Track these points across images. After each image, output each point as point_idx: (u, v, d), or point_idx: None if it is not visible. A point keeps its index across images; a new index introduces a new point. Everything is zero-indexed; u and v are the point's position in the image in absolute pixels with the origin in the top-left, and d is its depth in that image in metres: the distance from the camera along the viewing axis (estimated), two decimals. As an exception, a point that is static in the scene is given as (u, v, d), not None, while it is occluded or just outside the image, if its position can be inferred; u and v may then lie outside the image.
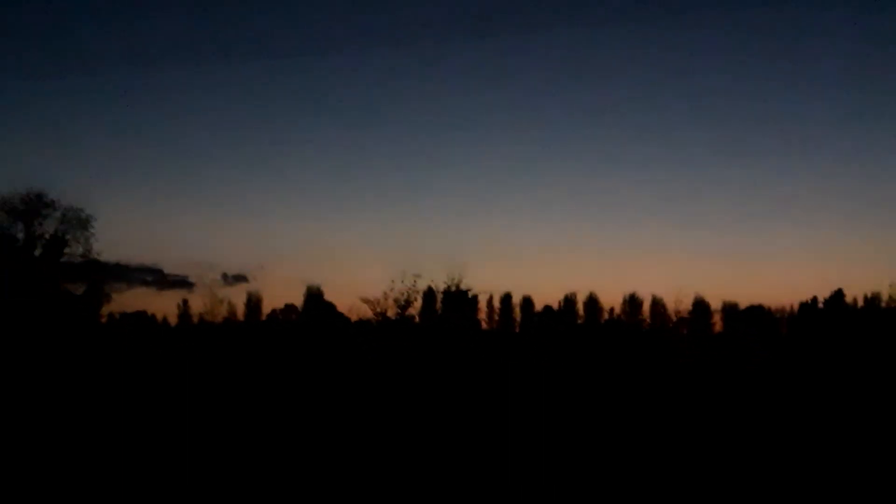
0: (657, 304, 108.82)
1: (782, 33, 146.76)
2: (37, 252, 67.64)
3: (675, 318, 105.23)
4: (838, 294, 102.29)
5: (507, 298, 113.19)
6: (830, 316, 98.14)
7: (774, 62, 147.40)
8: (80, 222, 67.16)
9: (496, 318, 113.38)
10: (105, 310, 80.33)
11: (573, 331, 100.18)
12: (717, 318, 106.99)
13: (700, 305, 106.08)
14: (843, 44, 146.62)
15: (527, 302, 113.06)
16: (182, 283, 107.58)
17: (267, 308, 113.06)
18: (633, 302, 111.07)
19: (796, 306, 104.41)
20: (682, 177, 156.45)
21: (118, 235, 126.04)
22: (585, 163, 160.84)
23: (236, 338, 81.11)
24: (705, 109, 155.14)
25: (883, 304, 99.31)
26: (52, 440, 18.69)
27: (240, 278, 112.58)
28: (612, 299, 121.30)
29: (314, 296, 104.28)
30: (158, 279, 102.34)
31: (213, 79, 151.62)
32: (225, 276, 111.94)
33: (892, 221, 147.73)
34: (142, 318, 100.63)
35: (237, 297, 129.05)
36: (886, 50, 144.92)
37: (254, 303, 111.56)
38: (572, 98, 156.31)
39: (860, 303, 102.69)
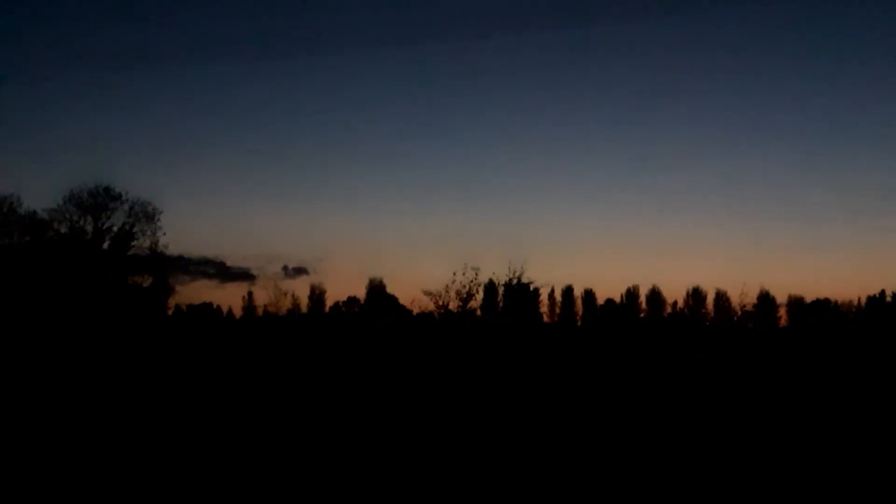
0: (721, 297, 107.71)
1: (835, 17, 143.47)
2: (105, 245, 68.90)
3: (739, 312, 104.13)
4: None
5: (568, 291, 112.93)
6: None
7: (833, 51, 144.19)
8: (147, 215, 68.35)
9: (558, 311, 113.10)
10: (170, 302, 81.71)
11: (636, 324, 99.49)
12: (782, 312, 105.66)
13: (765, 299, 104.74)
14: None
15: (588, 295, 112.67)
16: (244, 275, 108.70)
17: (330, 300, 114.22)
18: (696, 295, 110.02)
19: (864, 300, 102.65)
20: (745, 168, 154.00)
21: (180, 228, 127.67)
22: (648, 155, 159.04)
23: (301, 329, 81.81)
24: (764, 101, 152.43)
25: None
26: (129, 428, 19.04)
27: (300, 271, 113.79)
28: (675, 292, 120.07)
29: (376, 288, 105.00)
30: (220, 272, 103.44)
31: (277, 72, 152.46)
32: (286, 269, 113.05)
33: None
34: (207, 310, 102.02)
35: (299, 290, 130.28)
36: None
37: (317, 295, 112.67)
38: (635, 89, 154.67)
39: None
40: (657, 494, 13.28)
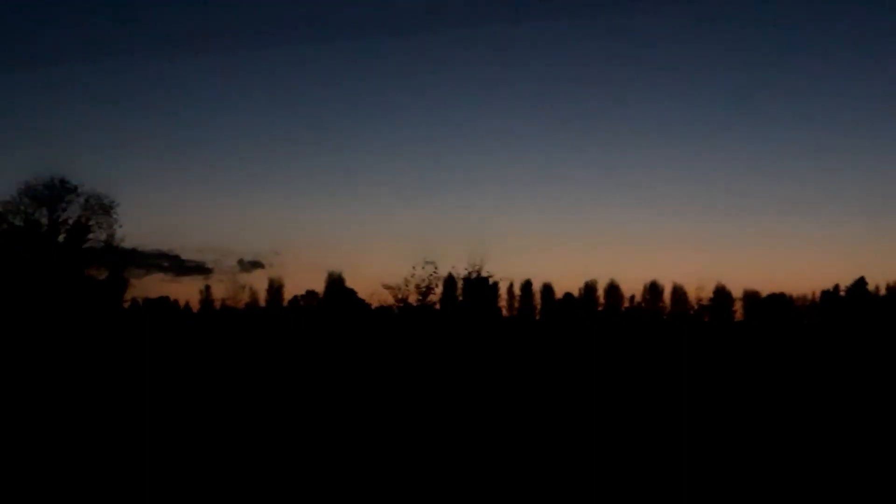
0: (678, 291, 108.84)
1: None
2: (60, 238, 68.10)
3: (696, 307, 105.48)
4: (860, 282, 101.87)
5: (527, 286, 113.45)
6: (852, 304, 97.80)
7: (797, 49, 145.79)
8: (103, 208, 67.55)
9: (517, 305, 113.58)
10: (126, 295, 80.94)
11: (593, 318, 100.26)
12: (738, 307, 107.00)
13: (721, 293, 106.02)
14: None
15: (547, 289, 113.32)
16: (199, 269, 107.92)
17: (288, 294, 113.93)
18: (653, 290, 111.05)
19: (818, 294, 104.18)
20: (703, 165, 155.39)
21: (133, 221, 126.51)
22: (607, 150, 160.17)
23: (259, 324, 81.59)
24: (730, 99, 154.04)
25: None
26: (81, 426, 18.88)
27: (256, 264, 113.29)
28: (632, 287, 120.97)
29: (335, 282, 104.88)
30: (175, 265, 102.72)
31: (233, 65, 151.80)
32: (241, 262, 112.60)
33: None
34: (164, 304, 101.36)
35: (256, 283, 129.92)
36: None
37: (275, 289, 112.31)
38: (597, 84, 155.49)
39: (882, 291, 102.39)
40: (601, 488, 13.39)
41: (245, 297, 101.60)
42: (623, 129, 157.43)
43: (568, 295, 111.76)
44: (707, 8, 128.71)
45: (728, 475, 14.29)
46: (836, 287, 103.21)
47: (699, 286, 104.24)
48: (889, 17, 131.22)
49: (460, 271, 70.82)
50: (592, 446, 16.92)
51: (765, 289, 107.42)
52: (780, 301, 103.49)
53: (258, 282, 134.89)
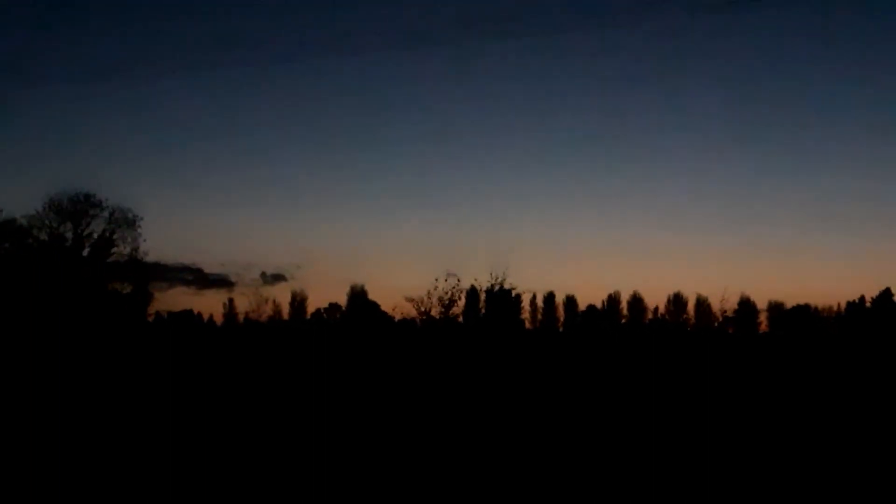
0: (702, 303, 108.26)
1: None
2: (85, 252, 68.66)
3: (720, 318, 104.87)
4: (886, 293, 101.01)
5: (550, 298, 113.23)
6: (879, 315, 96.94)
7: (817, 56, 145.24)
8: (127, 222, 68.24)
9: (539, 317, 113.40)
10: (150, 309, 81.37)
11: (617, 330, 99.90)
12: (762, 318, 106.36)
13: (746, 305, 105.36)
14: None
15: (570, 301, 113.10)
16: (222, 282, 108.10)
17: (311, 307, 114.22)
18: (677, 301, 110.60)
19: (843, 306, 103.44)
20: (727, 175, 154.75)
21: (157, 235, 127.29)
22: (631, 162, 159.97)
23: (282, 336, 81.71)
24: (749, 108, 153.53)
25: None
26: (105, 438, 18.95)
27: (279, 277, 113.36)
28: (656, 299, 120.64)
29: (358, 295, 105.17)
30: (198, 278, 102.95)
31: (254, 80, 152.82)
32: (264, 275, 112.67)
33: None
34: (188, 317, 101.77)
35: (279, 296, 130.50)
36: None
37: (298, 301, 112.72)
38: (618, 95, 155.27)
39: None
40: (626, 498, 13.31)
41: (268, 310, 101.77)
42: (646, 139, 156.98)
43: (591, 307, 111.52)
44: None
45: (751, 487, 14.17)
46: (862, 298, 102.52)
47: (723, 298, 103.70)
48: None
49: (483, 283, 70.61)
50: (613, 456, 16.81)
51: (789, 300, 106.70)
52: (804, 312, 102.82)
53: (281, 295, 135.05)
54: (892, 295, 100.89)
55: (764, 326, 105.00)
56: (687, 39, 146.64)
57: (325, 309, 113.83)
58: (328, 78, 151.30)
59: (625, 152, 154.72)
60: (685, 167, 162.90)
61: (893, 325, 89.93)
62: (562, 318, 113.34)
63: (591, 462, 16.22)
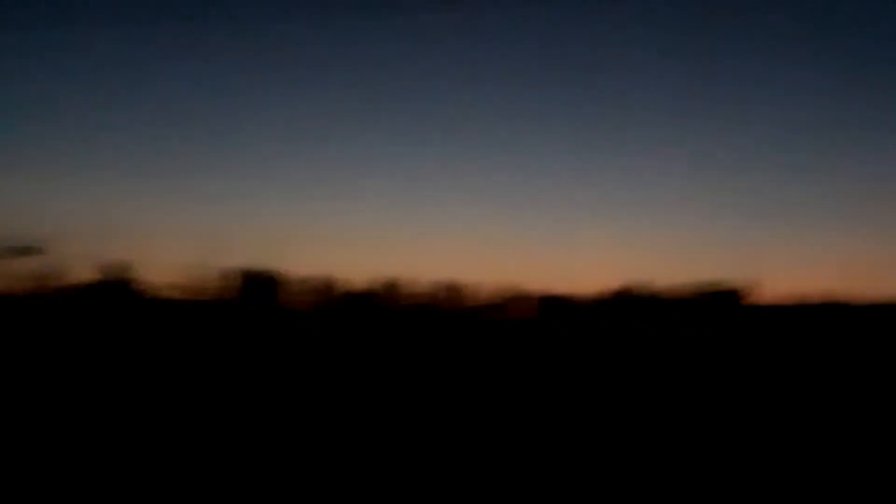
0: (469, 289, 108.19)
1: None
2: None
3: (487, 305, 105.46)
4: (645, 283, 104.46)
5: (316, 281, 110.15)
6: (639, 304, 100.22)
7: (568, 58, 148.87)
8: None
9: (306, 300, 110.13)
10: None
11: (383, 315, 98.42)
12: (528, 305, 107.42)
13: (515, 293, 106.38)
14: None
15: (337, 285, 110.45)
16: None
17: (64, 282, 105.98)
18: (445, 287, 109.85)
19: (606, 294, 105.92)
20: (496, 160, 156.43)
21: None
22: (399, 144, 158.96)
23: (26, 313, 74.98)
24: (514, 102, 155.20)
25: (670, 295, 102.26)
26: None
27: (27, 251, 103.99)
28: (424, 284, 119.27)
29: (114, 272, 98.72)
30: None
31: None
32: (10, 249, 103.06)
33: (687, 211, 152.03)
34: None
35: (27, 271, 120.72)
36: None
37: (48, 276, 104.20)
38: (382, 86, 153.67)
39: (666, 293, 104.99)
40: None
41: (15, 285, 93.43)
42: (421, 118, 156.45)
43: (358, 292, 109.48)
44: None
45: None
46: (622, 288, 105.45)
47: (490, 284, 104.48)
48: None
49: (250, 266, 69.46)
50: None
51: (554, 289, 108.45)
52: (564, 303, 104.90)
53: (30, 269, 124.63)
54: (651, 285, 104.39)
55: (529, 313, 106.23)
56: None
57: (77, 285, 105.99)
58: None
59: (402, 133, 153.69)
60: (458, 151, 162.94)
61: (653, 314, 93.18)
62: (328, 302, 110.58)
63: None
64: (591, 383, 30.33)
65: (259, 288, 73.85)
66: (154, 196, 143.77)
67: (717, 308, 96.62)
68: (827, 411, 23.40)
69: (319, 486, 12.87)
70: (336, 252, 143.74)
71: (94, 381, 26.62)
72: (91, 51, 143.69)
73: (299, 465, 14.39)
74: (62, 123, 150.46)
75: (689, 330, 77.25)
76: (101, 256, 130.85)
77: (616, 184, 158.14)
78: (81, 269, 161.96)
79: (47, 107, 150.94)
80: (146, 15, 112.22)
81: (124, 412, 19.74)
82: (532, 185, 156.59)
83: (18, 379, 26.03)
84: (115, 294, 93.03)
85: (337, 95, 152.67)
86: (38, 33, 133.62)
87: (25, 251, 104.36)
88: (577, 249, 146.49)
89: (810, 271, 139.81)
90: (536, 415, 21.48)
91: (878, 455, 16.36)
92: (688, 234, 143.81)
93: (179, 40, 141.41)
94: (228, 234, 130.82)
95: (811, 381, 32.81)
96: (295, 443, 16.71)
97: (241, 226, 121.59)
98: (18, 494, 11.90)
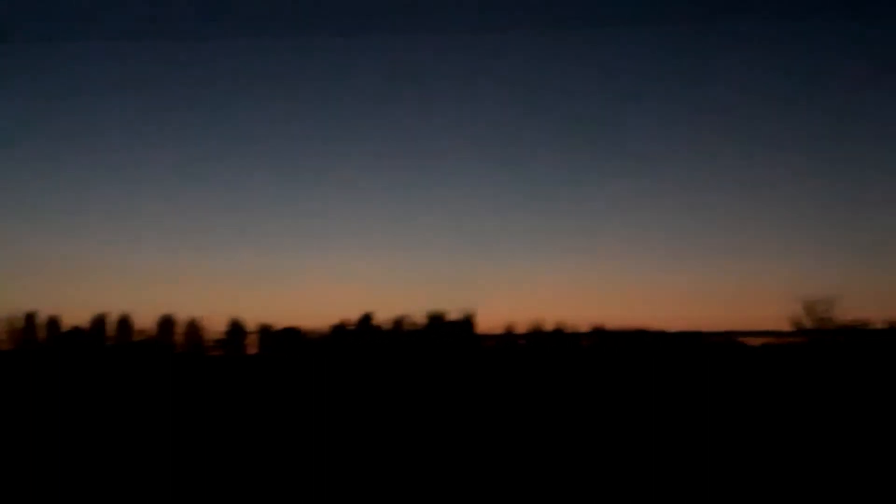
0: (193, 325, 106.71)
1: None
2: None
3: (210, 340, 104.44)
4: (367, 317, 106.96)
5: (30, 318, 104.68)
6: (360, 336, 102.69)
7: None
8: None
9: (18, 338, 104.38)
10: None
11: (103, 352, 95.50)
12: (252, 340, 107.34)
13: (236, 327, 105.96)
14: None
15: (53, 322, 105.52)
16: None
17: None
18: (166, 323, 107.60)
19: (328, 328, 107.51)
20: (230, 198, 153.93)
21: None
22: (133, 177, 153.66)
23: None
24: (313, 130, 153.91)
25: (406, 327, 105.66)
26: None
27: None
28: (146, 321, 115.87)
29: None
30: None
31: None
32: None
33: (421, 247, 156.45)
34: None
35: None
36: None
37: None
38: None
39: (386, 325, 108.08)
40: None
41: None
42: (157, 153, 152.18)
43: (77, 328, 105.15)
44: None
45: None
46: (345, 321, 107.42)
47: (214, 320, 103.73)
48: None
49: None
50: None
51: (279, 323, 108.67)
52: (293, 334, 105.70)
53: None
54: (371, 318, 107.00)
55: (254, 348, 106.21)
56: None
57: None
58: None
59: (138, 165, 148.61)
60: (202, 186, 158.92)
61: (372, 345, 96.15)
62: (43, 339, 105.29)
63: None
64: (325, 411, 31.49)
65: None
66: None
67: (451, 336, 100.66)
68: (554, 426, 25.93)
69: None
70: (44, 286, 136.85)
71: None
72: None
73: None
74: None
75: (431, 358, 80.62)
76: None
77: (341, 221, 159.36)
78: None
79: None
80: None
81: None
82: (256, 221, 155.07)
83: None
84: None
85: None
86: None
87: None
88: (304, 284, 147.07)
89: (522, 300, 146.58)
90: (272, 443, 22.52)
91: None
92: (407, 267, 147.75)
93: None
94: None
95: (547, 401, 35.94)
96: None
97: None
98: None
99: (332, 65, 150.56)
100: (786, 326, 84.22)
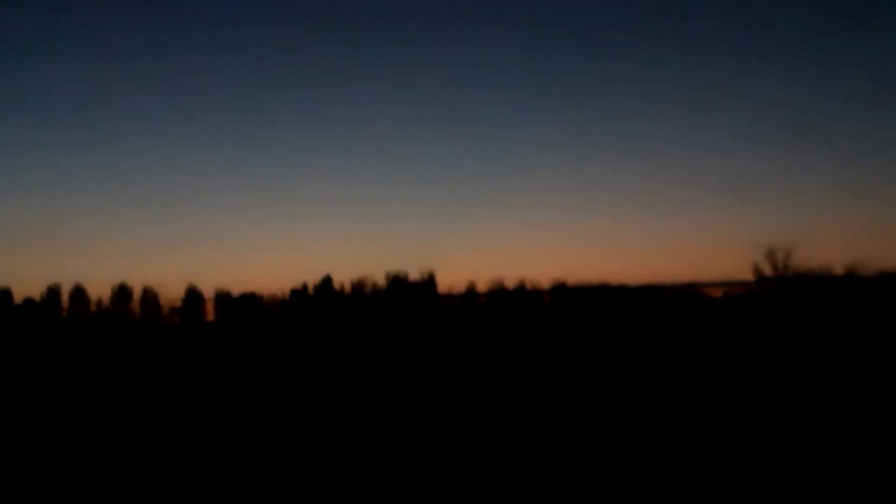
0: (148, 293, 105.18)
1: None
2: None
3: (167, 310, 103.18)
4: (327, 279, 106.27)
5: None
6: (320, 300, 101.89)
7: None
8: None
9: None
10: None
11: (57, 324, 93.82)
12: (210, 307, 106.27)
13: (193, 294, 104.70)
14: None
15: (5, 293, 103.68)
16: None
17: None
18: (122, 293, 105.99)
19: (287, 293, 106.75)
20: (199, 164, 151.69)
21: None
22: (83, 142, 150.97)
23: None
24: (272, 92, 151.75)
25: (367, 289, 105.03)
26: None
27: None
28: (100, 290, 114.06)
29: None
30: None
31: None
32: None
33: (381, 207, 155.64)
34: None
35: None
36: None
37: None
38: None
39: (347, 288, 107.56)
40: None
41: None
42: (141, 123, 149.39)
43: (28, 300, 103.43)
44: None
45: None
46: (305, 286, 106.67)
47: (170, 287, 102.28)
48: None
49: None
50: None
51: (236, 288, 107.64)
52: (251, 300, 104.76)
53: None
54: (331, 281, 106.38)
55: (211, 315, 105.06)
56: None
57: None
58: None
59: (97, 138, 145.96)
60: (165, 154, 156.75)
61: (333, 309, 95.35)
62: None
63: None
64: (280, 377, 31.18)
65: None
66: None
67: (414, 297, 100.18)
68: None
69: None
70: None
71: None
72: None
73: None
74: None
75: (393, 319, 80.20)
76: None
77: (299, 184, 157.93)
78: None
79: None
80: None
81: None
82: (211, 184, 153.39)
83: None
84: None
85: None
86: None
87: None
88: (263, 249, 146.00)
89: (483, 258, 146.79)
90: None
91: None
92: (366, 228, 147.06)
93: None
94: None
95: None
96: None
97: None
98: None
99: (283, 27, 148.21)
100: (748, 276, 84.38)
